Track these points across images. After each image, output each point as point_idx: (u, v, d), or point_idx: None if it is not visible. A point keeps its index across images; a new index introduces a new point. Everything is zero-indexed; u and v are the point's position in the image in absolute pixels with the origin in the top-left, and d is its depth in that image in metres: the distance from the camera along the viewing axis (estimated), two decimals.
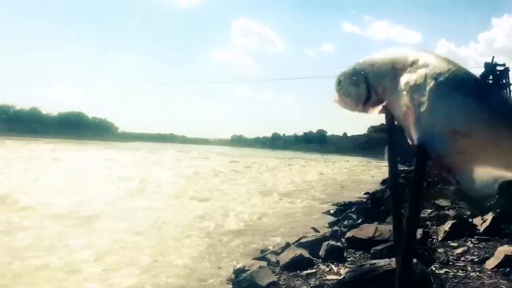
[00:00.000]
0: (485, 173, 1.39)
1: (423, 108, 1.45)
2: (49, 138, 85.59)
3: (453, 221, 6.85)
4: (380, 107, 1.74)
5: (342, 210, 12.01)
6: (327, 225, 10.17)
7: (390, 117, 1.73)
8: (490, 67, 38.45)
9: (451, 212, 8.07)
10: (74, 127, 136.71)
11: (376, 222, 7.72)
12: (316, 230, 9.00)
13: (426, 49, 1.75)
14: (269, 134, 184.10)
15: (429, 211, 8.48)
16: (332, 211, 12.56)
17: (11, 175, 17.85)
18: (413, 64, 1.57)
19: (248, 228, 9.79)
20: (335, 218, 11.13)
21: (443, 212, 8.31)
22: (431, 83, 1.44)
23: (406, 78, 1.56)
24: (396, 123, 1.70)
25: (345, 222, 9.87)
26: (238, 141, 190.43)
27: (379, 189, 18.10)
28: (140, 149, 62.46)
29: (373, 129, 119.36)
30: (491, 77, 37.39)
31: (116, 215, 10.47)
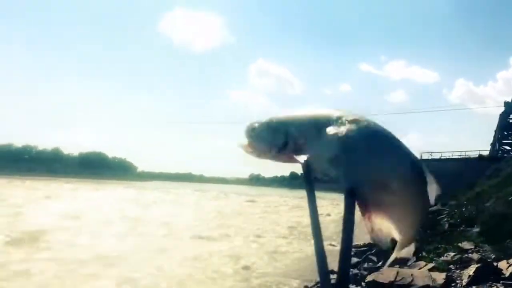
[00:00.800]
0: (385, 226, 1.56)
1: (354, 156, 1.61)
2: (69, 178, 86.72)
3: (478, 265, 6.64)
4: (300, 157, 1.76)
5: (362, 252, 11.77)
6: None
7: (306, 168, 1.74)
8: (510, 106, 38.14)
9: (475, 256, 7.84)
10: (95, 166, 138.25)
11: (397, 266, 7.53)
12: (335, 273, 8.80)
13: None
14: (286, 173, 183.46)
15: (452, 254, 8.25)
16: (351, 253, 12.33)
17: (31, 215, 18.04)
18: (338, 120, 1.70)
19: (268, 269, 9.64)
20: (355, 260, 10.89)
21: (466, 255, 8.07)
22: (360, 135, 1.60)
23: (332, 130, 1.67)
24: (315, 173, 1.75)
25: (365, 265, 9.66)
26: (256, 180, 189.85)
27: None
28: (158, 189, 62.72)
29: None
30: (511, 116, 37.05)
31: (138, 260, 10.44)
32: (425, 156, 41.22)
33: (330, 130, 1.69)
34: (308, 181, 1.76)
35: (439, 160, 45.36)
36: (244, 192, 73.56)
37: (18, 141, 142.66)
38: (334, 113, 1.73)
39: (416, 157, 1.65)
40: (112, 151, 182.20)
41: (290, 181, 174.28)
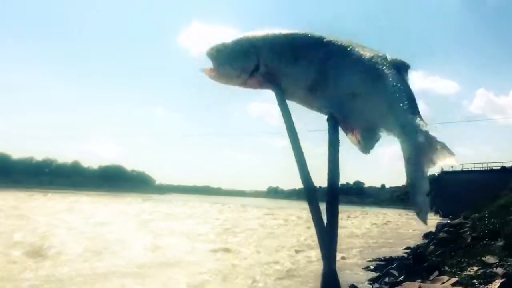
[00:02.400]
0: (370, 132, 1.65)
1: (330, 79, 1.62)
2: (89, 191, 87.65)
3: (502, 280, 6.46)
4: (273, 84, 1.70)
5: (383, 266, 11.60)
6: (367, 282, 9.81)
7: (282, 97, 1.73)
8: None
9: (499, 270, 7.62)
10: (113, 179, 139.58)
11: (419, 280, 7.39)
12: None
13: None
14: None
15: (476, 268, 8.05)
16: (372, 267, 12.15)
17: (53, 228, 18.23)
18: (317, 43, 1.66)
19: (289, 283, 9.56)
20: (376, 274, 10.73)
21: (490, 270, 7.86)
22: (335, 58, 1.61)
23: (311, 55, 1.63)
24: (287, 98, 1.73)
25: (386, 279, 9.51)
26: (274, 193, 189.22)
27: (420, 243, 17.43)
28: (176, 201, 63.01)
29: None
30: None
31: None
32: (446, 169, 40.59)
33: (309, 54, 1.63)
34: (287, 118, 1.73)
35: (461, 172, 44.59)
36: (262, 205, 73.35)
37: (39, 155, 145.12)
38: (314, 34, 1.67)
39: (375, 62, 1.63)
40: (130, 164, 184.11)
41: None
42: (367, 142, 1.68)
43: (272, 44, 1.75)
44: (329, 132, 1.72)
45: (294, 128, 1.78)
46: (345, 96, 1.65)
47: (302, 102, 1.78)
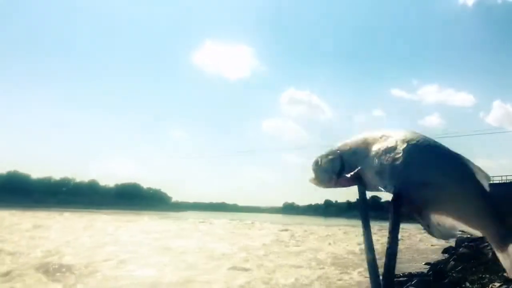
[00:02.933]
0: (447, 221, 1.74)
1: (397, 163, 1.78)
2: (106, 209, 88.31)
3: None
4: (351, 174, 1.97)
5: (402, 283, 11.41)
6: None
7: (362, 190, 1.98)
8: None
9: None
10: (130, 197, 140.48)
11: None
12: None
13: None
14: (321, 201, 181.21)
15: (497, 284, 7.91)
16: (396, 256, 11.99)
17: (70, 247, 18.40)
18: (382, 136, 1.92)
19: None
20: None
21: None
22: (403, 145, 1.80)
23: (377, 146, 1.90)
24: (366, 191, 1.97)
25: None
26: (290, 209, 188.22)
27: (440, 259, 17.15)
28: (192, 218, 63.10)
29: None
30: None
31: None
32: None
33: (375, 146, 1.91)
34: (363, 207, 1.95)
35: None
36: (278, 220, 73.01)
37: (57, 174, 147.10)
38: (378, 133, 1.97)
39: (459, 155, 1.80)
40: (147, 182, 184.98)
41: (324, 209, 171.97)
42: (440, 234, 1.81)
43: (350, 146, 2.06)
44: (390, 213, 1.83)
45: (369, 221, 1.96)
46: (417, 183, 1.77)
47: (371, 186, 1.98)
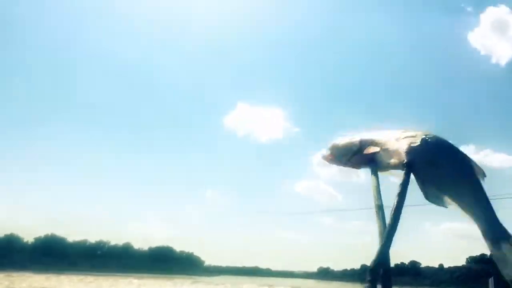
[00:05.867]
0: (437, 193, 2.14)
1: (415, 145, 2.24)
2: (139, 273, 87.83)
3: None
4: (372, 149, 2.42)
5: None
6: None
7: (375, 171, 2.44)
8: None
9: None
10: (163, 261, 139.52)
11: None
12: None
13: None
14: (357, 266, 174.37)
15: None
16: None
17: None
18: (405, 131, 2.38)
19: None
20: None
21: None
22: (422, 136, 2.29)
23: (399, 134, 2.36)
24: (380, 165, 2.38)
25: None
26: (325, 274, 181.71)
27: None
28: (222, 284, 61.94)
29: (472, 260, 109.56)
30: None
31: None
32: None
33: (397, 134, 2.36)
34: (378, 189, 2.34)
35: None
36: (313, 287, 70.58)
37: (93, 237, 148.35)
38: (400, 130, 2.38)
39: (463, 153, 2.33)
40: (180, 245, 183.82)
41: (360, 275, 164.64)
42: (434, 198, 2.23)
43: (371, 136, 2.54)
44: (403, 180, 2.26)
45: (381, 202, 2.34)
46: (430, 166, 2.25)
47: (384, 166, 2.49)
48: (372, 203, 2.43)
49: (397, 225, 2.14)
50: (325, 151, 2.64)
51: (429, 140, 2.26)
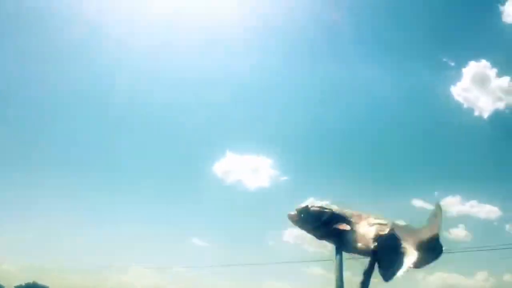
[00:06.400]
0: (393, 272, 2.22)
1: (382, 233, 2.34)
2: None
3: None
4: (341, 226, 2.57)
5: None
6: None
7: (339, 248, 2.57)
8: None
9: None
10: None
11: None
12: None
13: None
14: None
15: None
16: None
17: None
18: (375, 217, 2.54)
19: None
20: None
21: None
22: (390, 225, 2.41)
23: (372, 220, 2.49)
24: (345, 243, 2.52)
25: None
26: None
27: None
28: None
29: None
30: None
31: None
32: None
33: (370, 220, 2.48)
34: (340, 266, 2.45)
35: None
36: None
37: (76, 285, 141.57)
38: (370, 215, 2.52)
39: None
40: None
41: None
42: (390, 278, 2.37)
43: (344, 212, 2.64)
44: (367, 268, 2.41)
45: (342, 278, 2.49)
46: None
47: (350, 246, 2.63)
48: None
49: None
50: (293, 212, 2.68)
51: (396, 229, 2.43)
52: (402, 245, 2.40)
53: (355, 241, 2.41)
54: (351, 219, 2.51)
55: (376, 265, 2.38)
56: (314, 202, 2.75)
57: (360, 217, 2.50)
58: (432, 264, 2.55)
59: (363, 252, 2.42)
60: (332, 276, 2.39)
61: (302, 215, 2.59)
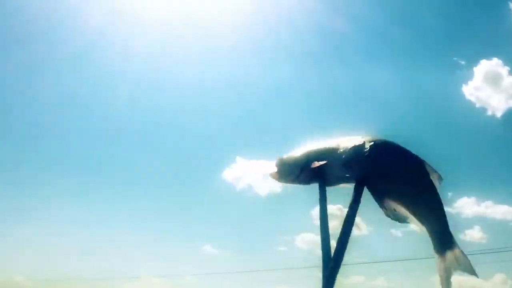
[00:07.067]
0: (402, 210, 1.95)
1: (364, 155, 1.99)
2: None
3: None
4: (316, 165, 2.12)
5: None
6: None
7: (322, 186, 2.12)
8: None
9: None
10: None
11: None
12: None
13: None
14: None
15: None
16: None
17: None
18: (350, 139, 2.13)
19: None
20: None
21: None
22: (369, 143, 2.01)
23: (346, 144, 2.07)
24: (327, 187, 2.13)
25: None
26: None
27: None
28: None
29: None
30: None
31: None
32: None
33: (343, 143, 2.11)
34: (323, 204, 2.08)
35: None
36: None
37: None
38: (346, 137, 2.21)
39: (416, 156, 2.06)
40: None
41: None
42: (393, 213, 2.00)
43: (317, 147, 2.22)
44: (352, 198, 2.02)
45: (327, 217, 2.09)
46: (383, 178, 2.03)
47: (333, 180, 2.17)
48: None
49: (343, 254, 1.94)
50: (272, 169, 2.32)
51: (378, 147, 2.04)
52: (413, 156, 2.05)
53: (337, 172, 2.07)
54: (327, 151, 2.16)
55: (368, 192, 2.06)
56: (289, 152, 2.29)
57: (336, 144, 2.15)
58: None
59: (349, 182, 2.08)
60: (342, 281, 2.04)
61: (282, 169, 2.24)
